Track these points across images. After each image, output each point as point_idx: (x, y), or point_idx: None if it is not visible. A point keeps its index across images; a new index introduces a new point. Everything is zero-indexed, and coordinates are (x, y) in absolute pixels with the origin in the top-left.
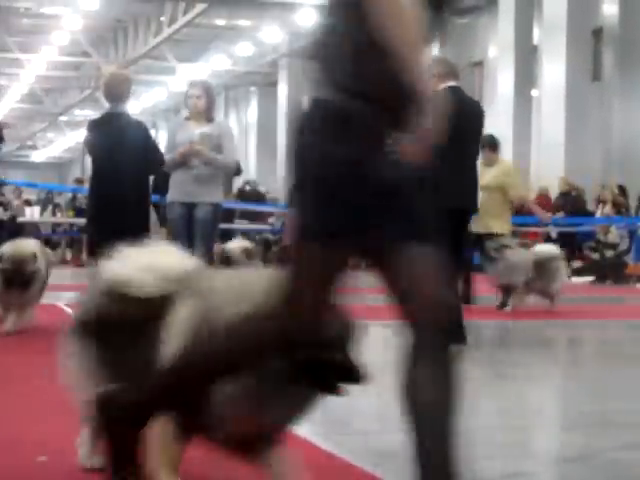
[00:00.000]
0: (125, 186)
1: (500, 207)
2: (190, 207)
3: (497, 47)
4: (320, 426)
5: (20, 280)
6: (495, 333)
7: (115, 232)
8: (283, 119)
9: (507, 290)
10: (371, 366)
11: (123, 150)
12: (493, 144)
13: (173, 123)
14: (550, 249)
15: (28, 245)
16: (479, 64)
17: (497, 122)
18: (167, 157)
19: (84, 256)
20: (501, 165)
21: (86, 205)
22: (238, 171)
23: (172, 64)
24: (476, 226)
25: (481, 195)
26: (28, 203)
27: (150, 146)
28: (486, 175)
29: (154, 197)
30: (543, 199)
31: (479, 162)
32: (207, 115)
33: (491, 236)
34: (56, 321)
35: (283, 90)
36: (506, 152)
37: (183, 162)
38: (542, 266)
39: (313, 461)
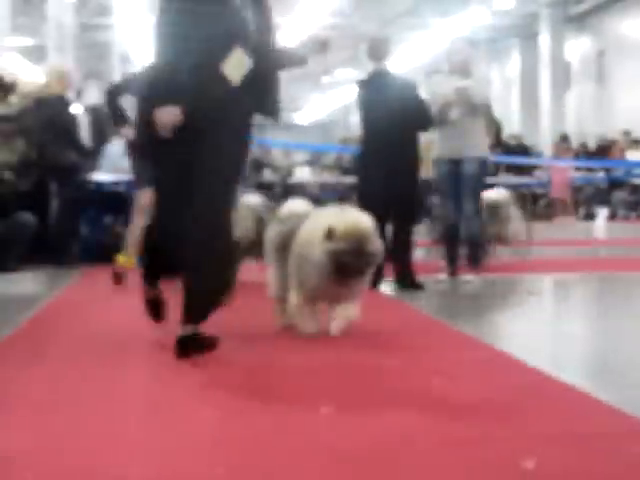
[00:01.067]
0: (393, 143)
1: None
2: (457, 163)
3: None
4: (598, 378)
5: (362, 265)
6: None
7: (384, 189)
8: (546, 71)
9: None
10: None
11: (390, 108)
12: None
13: (434, 80)
14: (497, 194)
15: (362, 216)
16: None
17: None
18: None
19: None
20: None
21: (356, 164)
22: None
23: (429, 21)
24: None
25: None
26: (297, 164)
27: (419, 104)
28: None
29: None
30: None
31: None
32: (466, 70)
33: None
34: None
35: (545, 41)
36: None
37: (442, 117)
38: (491, 212)
39: (590, 412)
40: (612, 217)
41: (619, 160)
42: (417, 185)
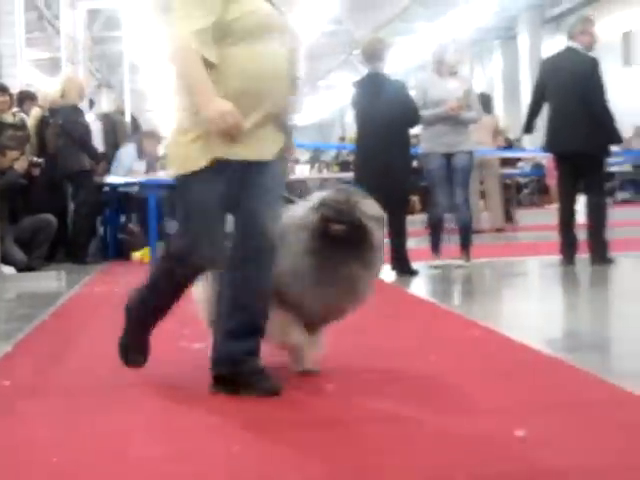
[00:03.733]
0: (386, 139)
1: None
2: (448, 157)
3: None
4: (583, 351)
5: None
6: None
7: (379, 181)
8: (526, 69)
9: None
10: None
11: (382, 107)
12: None
13: (420, 80)
14: None
15: None
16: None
17: None
18: (424, 112)
19: None
20: None
21: (352, 160)
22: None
23: (416, 25)
24: None
25: None
26: (297, 162)
27: (409, 102)
28: None
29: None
30: None
31: None
32: (453, 70)
33: None
34: None
35: (524, 41)
36: None
37: (451, 117)
38: None
39: (576, 382)
40: None
41: None
42: (409, 176)
